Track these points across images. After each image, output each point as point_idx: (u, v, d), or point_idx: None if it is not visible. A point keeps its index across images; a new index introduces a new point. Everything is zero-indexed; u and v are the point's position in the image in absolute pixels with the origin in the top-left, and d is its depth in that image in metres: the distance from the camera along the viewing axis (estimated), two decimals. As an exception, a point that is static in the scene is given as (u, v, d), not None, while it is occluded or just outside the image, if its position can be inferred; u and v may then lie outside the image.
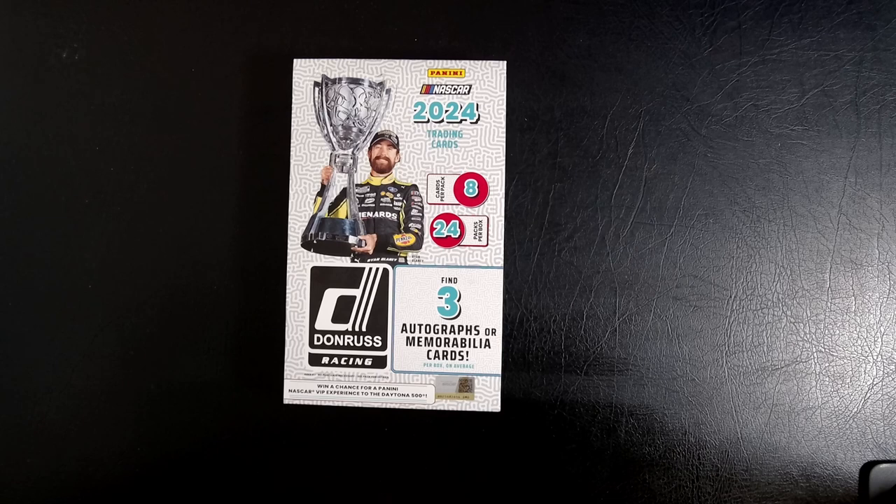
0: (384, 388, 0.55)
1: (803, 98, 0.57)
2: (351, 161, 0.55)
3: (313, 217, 0.55)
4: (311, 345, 0.55)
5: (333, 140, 0.55)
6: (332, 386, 0.55)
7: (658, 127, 0.58)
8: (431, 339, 0.55)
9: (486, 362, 0.55)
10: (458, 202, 0.55)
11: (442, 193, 0.55)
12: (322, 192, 0.55)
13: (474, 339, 0.55)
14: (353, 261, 0.55)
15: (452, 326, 0.55)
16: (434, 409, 0.55)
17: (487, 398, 0.55)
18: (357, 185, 0.55)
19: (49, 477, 0.60)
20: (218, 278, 0.59)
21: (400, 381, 0.55)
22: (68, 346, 0.60)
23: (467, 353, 0.55)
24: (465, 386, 0.55)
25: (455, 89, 0.55)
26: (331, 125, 0.55)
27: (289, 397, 0.55)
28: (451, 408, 0.55)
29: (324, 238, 0.55)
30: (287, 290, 0.55)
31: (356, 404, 0.55)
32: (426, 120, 0.55)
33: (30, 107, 0.61)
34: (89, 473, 0.60)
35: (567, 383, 0.58)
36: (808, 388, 0.57)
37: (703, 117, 0.58)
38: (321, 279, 0.55)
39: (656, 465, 0.58)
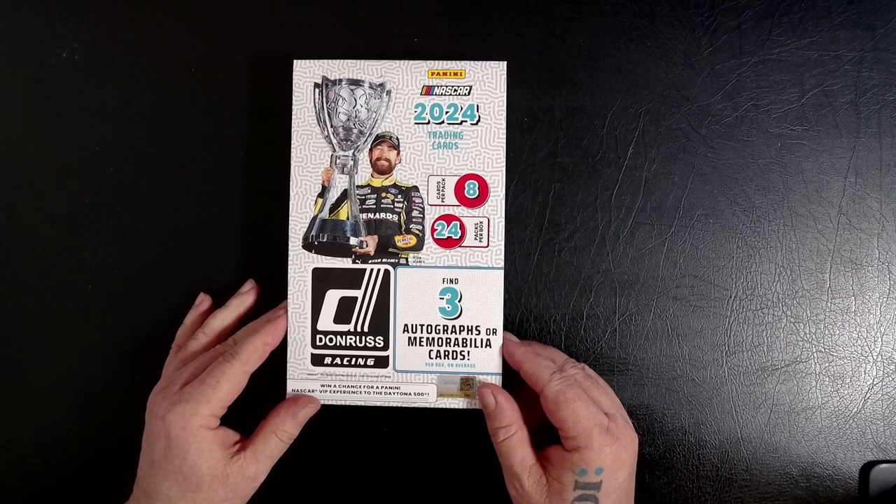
0: (386, 387, 0.55)
1: (803, 98, 0.58)
2: (352, 162, 0.55)
3: (314, 218, 0.55)
4: (314, 345, 0.55)
5: (334, 141, 0.55)
6: (334, 385, 0.55)
7: (658, 127, 0.58)
8: (433, 339, 0.55)
9: (487, 362, 0.55)
10: (458, 203, 0.55)
11: (443, 195, 0.55)
12: (323, 193, 0.55)
13: (475, 339, 0.55)
14: (354, 262, 0.55)
15: (453, 326, 0.55)
16: (436, 407, 0.55)
17: (488, 398, 0.55)
18: (358, 186, 0.55)
19: (49, 476, 0.60)
20: (219, 279, 0.59)
21: (402, 380, 0.55)
22: (68, 346, 0.60)
23: (468, 352, 0.55)
24: (467, 385, 0.55)
25: (455, 91, 0.55)
26: (331, 126, 0.55)
27: (291, 397, 0.56)
28: (452, 406, 0.55)
29: (325, 239, 0.55)
30: (289, 292, 0.55)
31: (358, 403, 0.56)
32: (427, 121, 0.55)
33: (30, 107, 0.60)
34: (89, 473, 0.60)
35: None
36: (808, 388, 0.57)
37: (703, 117, 0.58)
38: (323, 280, 0.55)
39: (656, 465, 0.58)
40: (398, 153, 0.55)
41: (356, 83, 0.55)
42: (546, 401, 0.50)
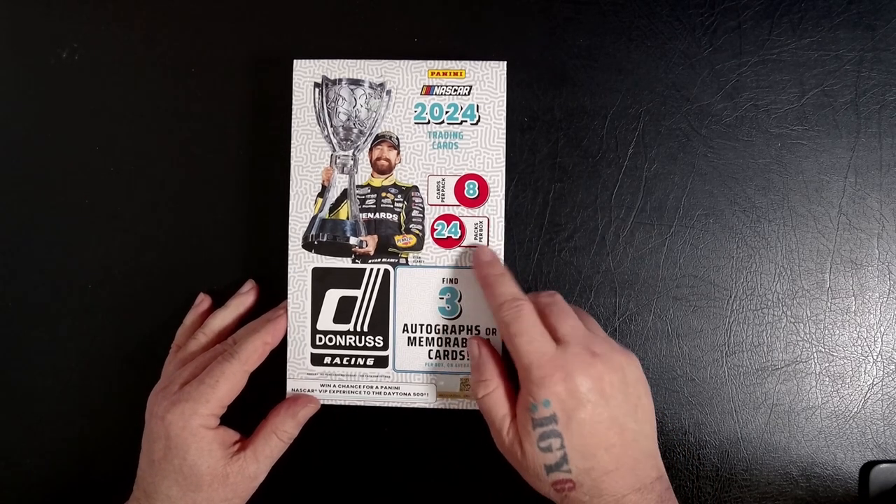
0: (386, 387, 0.55)
1: (803, 98, 0.58)
2: (352, 162, 0.55)
3: (314, 218, 0.55)
4: (314, 345, 0.55)
5: (334, 141, 0.55)
6: (334, 385, 0.55)
7: (658, 127, 0.58)
8: (432, 339, 0.55)
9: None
10: (458, 203, 0.55)
11: (442, 194, 0.55)
12: (323, 193, 0.55)
13: (475, 339, 0.55)
14: (354, 262, 0.55)
15: (453, 326, 0.55)
16: (435, 407, 0.55)
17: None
18: (358, 186, 0.55)
19: (49, 477, 0.60)
20: (219, 279, 0.59)
21: (401, 380, 0.55)
22: (68, 346, 0.60)
23: (468, 352, 0.55)
24: (467, 385, 0.55)
25: (455, 90, 0.55)
26: (331, 126, 0.55)
27: (291, 397, 0.56)
28: (452, 407, 0.55)
29: (325, 239, 0.55)
30: (289, 291, 0.55)
31: (358, 403, 0.56)
32: (426, 121, 0.55)
33: (30, 107, 0.61)
34: (89, 473, 0.60)
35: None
36: (808, 388, 0.57)
37: (703, 117, 0.58)
38: (322, 280, 0.55)
39: (657, 464, 0.58)
40: (398, 153, 0.55)
41: (356, 83, 0.55)
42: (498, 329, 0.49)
